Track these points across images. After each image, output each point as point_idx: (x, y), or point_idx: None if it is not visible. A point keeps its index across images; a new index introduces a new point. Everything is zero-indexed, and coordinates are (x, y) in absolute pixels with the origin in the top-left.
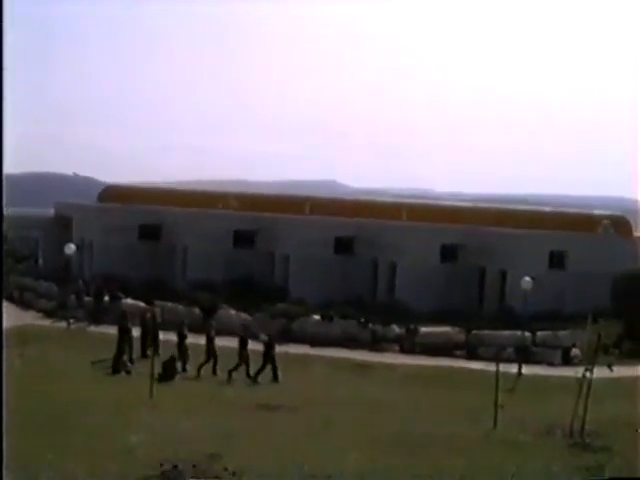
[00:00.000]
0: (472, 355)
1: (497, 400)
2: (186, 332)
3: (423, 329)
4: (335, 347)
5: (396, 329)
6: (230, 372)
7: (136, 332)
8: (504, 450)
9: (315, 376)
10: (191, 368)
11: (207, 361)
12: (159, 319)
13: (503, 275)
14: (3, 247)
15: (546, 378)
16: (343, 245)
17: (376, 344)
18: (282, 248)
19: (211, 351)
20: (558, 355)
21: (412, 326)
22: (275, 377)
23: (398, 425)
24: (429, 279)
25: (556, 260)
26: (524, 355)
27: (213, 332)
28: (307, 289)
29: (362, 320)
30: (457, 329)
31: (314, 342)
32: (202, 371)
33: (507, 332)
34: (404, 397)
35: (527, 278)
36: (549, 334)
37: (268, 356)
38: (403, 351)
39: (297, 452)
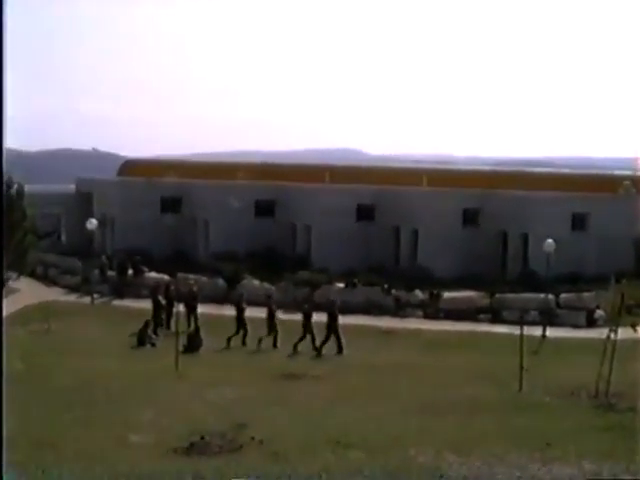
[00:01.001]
0: (496, 319)
1: (522, 363)
2: (244, 305)
3: (446, 294)
4: (359, 314)
5: (419, 295)
6: (295, 345)
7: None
8: (530, 412)
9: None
10: (250, 342)
11: (237, 332)
12: (195, 291)
13: (525, 239)
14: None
15: (570, 340)
16: (364, 213)
17: (400, 310)
18: (303, 218)
19: (242, 322)
20: (582, 317)
21: (435, 291)
22: (339, 349)
23: (424, 390)
24: (451, 244)
25: (578, 222)
26: (548, 318)
27: (244, 303)
28: (329, 258)
29: (385, 287)
30: (480, 293)
31: (338, 310)
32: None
33: (530, 295)
34: (429, 362)
35: (549, 241)
36: (572, 296)
37: (331, 328)
38: (427, 316)
39: (323, 419)
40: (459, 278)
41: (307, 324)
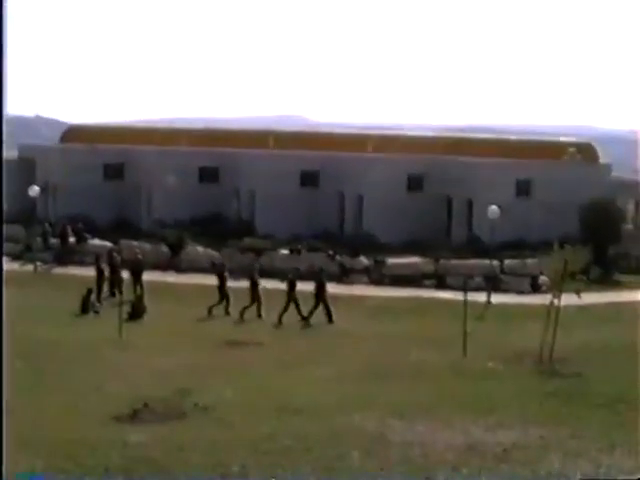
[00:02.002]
0: (441, 285)
1: (465, 328)
2: (257, 278)
3: (391, 260)
4: (303, 280)
5: (364, 261)
6: (280, 316)
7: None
8: (474, 378)
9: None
10: (265, 315)
11: (251, 305)
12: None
13: (470, 204)
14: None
15: (515, 306)
16: (309, 179)
17: (344, 276)
18: (247, 183)
19: (255, 295)
20: (526, 283)
21: (380, 257)
22: (329, 318)
23: (368, 356)
24: (396, 210)
25: (522, 188)
26: (493, 284)
27: (257, 275)
28: (274, 224)
29: (330, 253)
30: (425, 259)
31: (282, 276)
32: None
33: (475, 261)
34: (374, 328)
35: (493, 207)
36: (517, 262)
37: (319, 296)
38: (372, 283)
39: (267, 386)
40: (404, 244)
41: (291, 293)
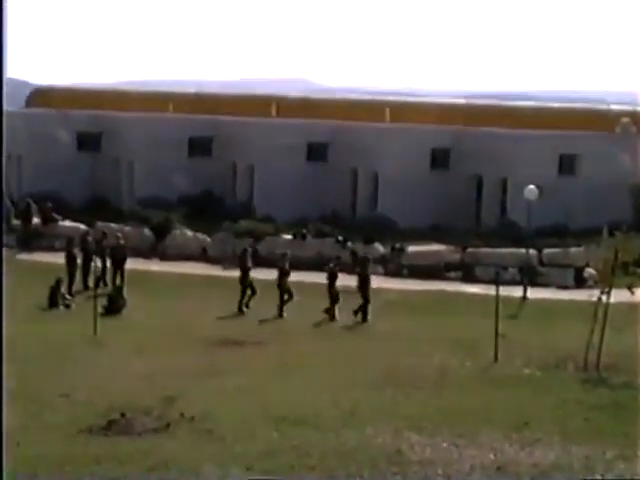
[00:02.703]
0: (468, 277)
1: (497, 329)
2: (288, 267)
3: (411, 248)
4: (309, 270)
5: (380, 248)
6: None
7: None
8: (506, 387)
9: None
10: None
11: (287, 300)
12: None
13: (504, 184)
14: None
15: (555, 303)
16: (317, 152)
17: (357, 266)
18: (245, 157)
19: (285, 288)
20: (569, 276)
21: (398, 245)
22: (364, 317)
23: (384, 360)
24: (417, 190)
25: (566, 165)
26: (529, 276)
27: (287, 265)
28: (275, 204)
29: (340, 239)
30: (450, 247)
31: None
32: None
33: (509, 250)
34: (390, 327)
35: (532, 187)
36: (558, 252)
37: (365, 292)
38: (388, 274)
39: (266, 392)
40: (426, 229)
41: (332, 288)
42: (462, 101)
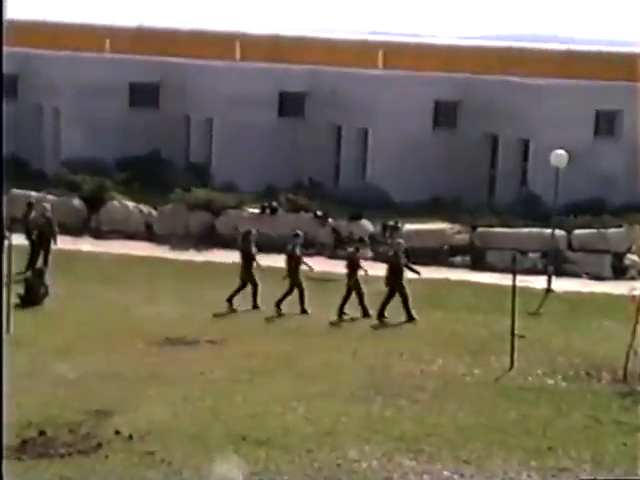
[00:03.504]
0: (478, 264)
1: (514, 328)
2: (298, 252)
3: (407, 226)
4: (280, 253)
5: (368, 227)
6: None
7: None
8: (524, 401)
9: (245, 297)
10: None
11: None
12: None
13: (524, 147)
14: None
15: (588, 297)
16: (291, 104)
17: (340, 248)
18: (201, 110)
19: (296, 282)
20: (606, 263)
21: (391, 222)
22: (410, 316)
23: (372, 364)
24: (416, 154)
25: (604, 124)
26: (555, 263)
27: (297, 250)
28: (239, 170)
29: (319, 214)
30: (457, 226)
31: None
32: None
33: (530, 230)
34: (380, 324)
35: (560, 151)
36: (593, 233)
37: (395, 283)
38: (379, 258)
39: (222, 405)
40: (426, 203)
41: (352, 277)
42: (473, 43)
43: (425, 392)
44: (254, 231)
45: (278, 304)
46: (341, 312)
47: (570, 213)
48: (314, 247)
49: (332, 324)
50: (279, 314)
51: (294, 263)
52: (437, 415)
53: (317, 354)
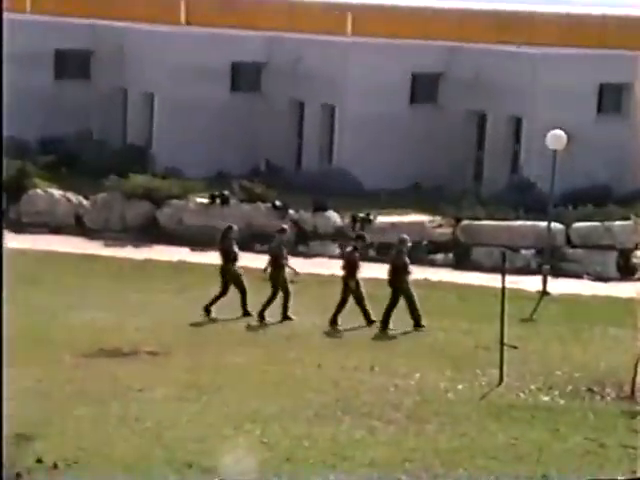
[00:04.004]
0: (463, 262)
1: (503, 337)
2: (285, 256)
3: (380, 218)
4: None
5: (335, 219)
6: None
7: None
8: (515, 421)
9: (192, 300)
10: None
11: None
12: None
13: (517, 126)
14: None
15: (590, 300)
16: (245, 77)
17: (303, 244)
18: (140, 82)
19: (282, 286)
20: (611, 261)
21: (362, 214)
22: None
23: (339, 379)
24: (391, 134)
25: (609, 99)
26: (553, 262)
27: (284, 250)
28: (184, 152)
29: (278, 204)
30: (438, 218)
31: (195, 242)
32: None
33: (522, 223)
34: (349, 332)
35: (558, 132)
36: (596, 226)
37: (400, 285)
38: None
39: (164, 426)
40: (403, 192)
41: (348, 279)
42: (457, 5)
43: (400, 411)
44: (235, 227)
45: (261, 314)
46: (335, 320)
47: (569, 203)
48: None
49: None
50: (263, 323)
51: (279, 264)
52: (415, 438)
53: (276, 367)
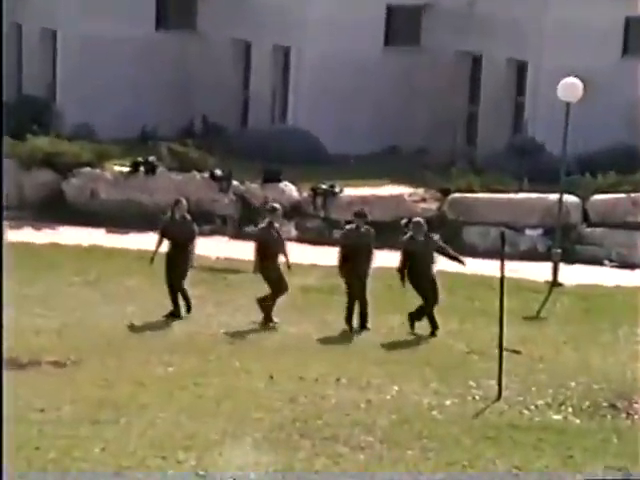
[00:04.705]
0: (452, 244)
1: (503, 339)
2: (280, 242)
3: (348, 191)
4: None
5: (291, 191)
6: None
7: None
8: (518, 445)
9: (109, 295)
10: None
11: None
12: None
13: (520, 72)
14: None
15: (611, 292)
16: (177, 10)
17: (248, 224)
18: (40, 15)
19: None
20: (638, 244)
21: (325, 185)
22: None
23: (296, 393)
24: (361, 84)
25: (636, 38)
26: (565, 244)
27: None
28: (98, 107)
29: (218, 173)
30: (420, 190)
31: (113, 221)
32: None
33: (527, 196)
34: (307, 333)
35: (571, 79)
36: (619, 200)
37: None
38: (306, 237)
39: (72, 456)
40: (375, 157)
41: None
42: None
43: (374, 434)
44: (184, 201)
45: (267, 317)
46: (350, 322)
47: (586, 170)
48: (211, 223)
49: (234, 335)
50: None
51: (269, 254)
52: (391, 467)
53: (216, 379)
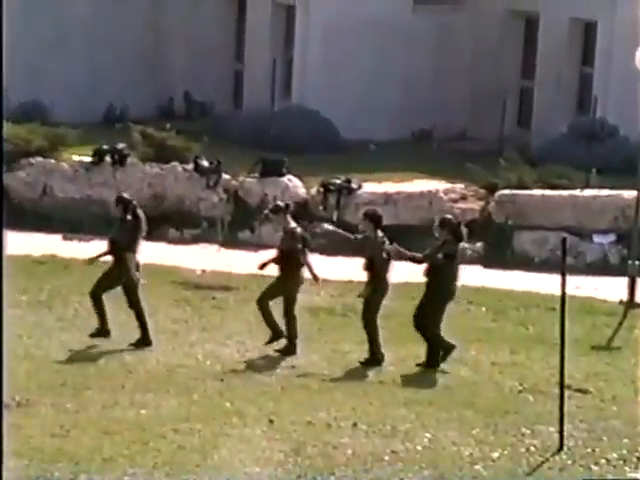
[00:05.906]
0: (500, 254)
1: (564, 374)
2: (305, 249)
3: (368, 187)
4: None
5: (297, 187)
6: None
7: None
8: None
9: (65, 319)
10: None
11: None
12: None
13: (586, 36)
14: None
15: None
16: None
17: (244, 228)
18: None
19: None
20: None
21: (339, 179)
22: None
23: (300, 441)
24: (383, 53)
25: None
26: None
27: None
28: (52, 80)
29: (204, 164)
30: (459, 186)
31: (70, 224)
32: None
33: (595, 193)
34: (310, 370)
35: None
36: None
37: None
38: (313, 247)
39: None
40: (402, 143)
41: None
42: None
43: None
44: (135, 203)
45: (292, 345)
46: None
47: None
48: (195, 227)
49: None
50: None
51: (291, 263)
52: None
53: (201, 424)
